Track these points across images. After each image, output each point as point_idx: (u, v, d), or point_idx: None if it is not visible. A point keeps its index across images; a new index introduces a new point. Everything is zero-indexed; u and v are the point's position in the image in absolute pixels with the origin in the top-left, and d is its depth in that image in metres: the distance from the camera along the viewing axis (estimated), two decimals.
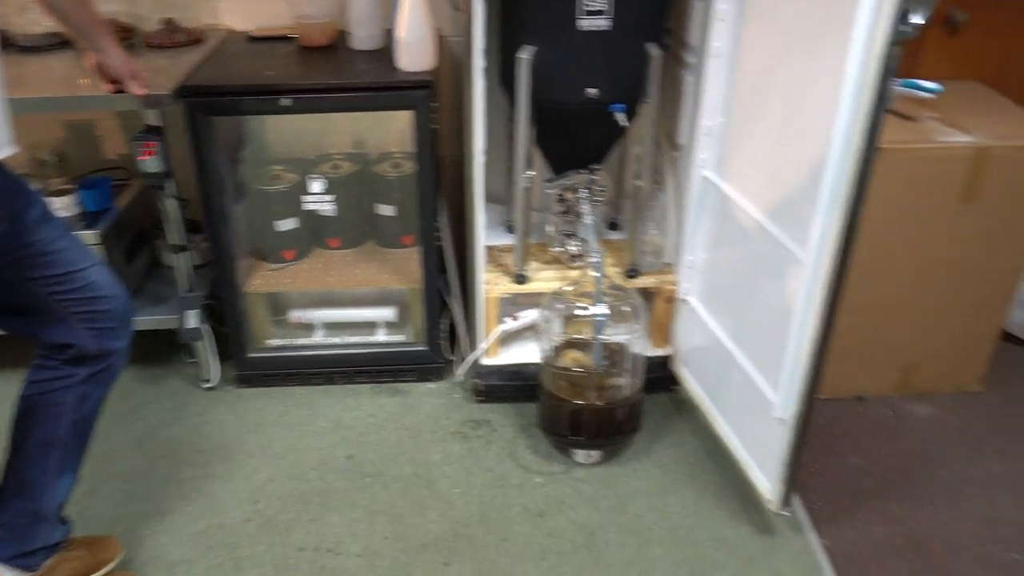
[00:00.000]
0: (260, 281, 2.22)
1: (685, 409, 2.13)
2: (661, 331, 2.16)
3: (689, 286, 2.03)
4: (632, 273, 2.12)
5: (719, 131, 1.82)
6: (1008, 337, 2.31)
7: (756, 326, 1.72)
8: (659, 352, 2.17)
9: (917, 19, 1.24)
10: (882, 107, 1.31)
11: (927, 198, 1.90)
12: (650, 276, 2.13)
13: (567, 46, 1.82)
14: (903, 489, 1.90)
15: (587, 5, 1.77)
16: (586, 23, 1.79)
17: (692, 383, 2.07)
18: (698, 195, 1.91)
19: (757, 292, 1.70)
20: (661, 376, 2.16)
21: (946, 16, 2.14)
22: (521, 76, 1.85)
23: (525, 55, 1.83)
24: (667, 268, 2.15)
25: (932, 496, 1.88)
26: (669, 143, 2.10)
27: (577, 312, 1.94)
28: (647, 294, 2.13)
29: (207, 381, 2.22)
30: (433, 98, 1.92)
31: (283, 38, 2.21)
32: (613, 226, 2.36)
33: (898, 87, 1.99)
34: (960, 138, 1.88)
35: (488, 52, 1.81)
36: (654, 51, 1.86)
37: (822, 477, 1.93)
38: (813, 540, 1.75)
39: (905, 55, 1.27)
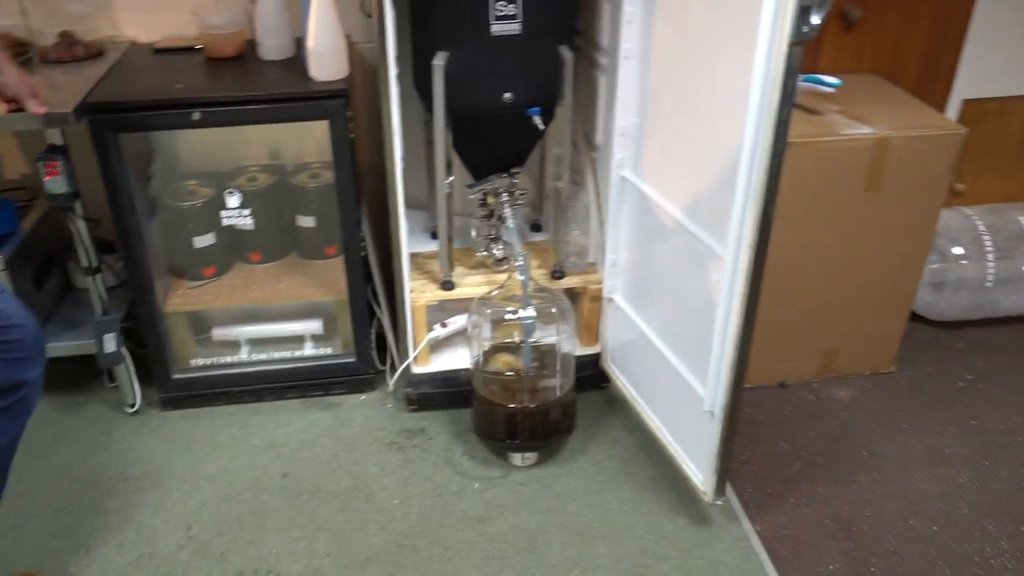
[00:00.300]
0: (180, 300, 2.16)
1: (617, 406, 2.16)
2: (589, 330, 2.18)
3: (613, 284, 2.06)
4: (557, 274, 2.14)
5: (634, 131, 1.85)
6: (915, 317, 2.41)
7: (680, 322, 1.76)
8: (588, 351, 2.19)
9: (816, 19, 1.28)
10: (788, 104, 1.35)
11: (834, 188, 1.97)
12: (575, 276, 2.15)
13: (480, 51, 1.82)
14: (828, 471, 1.96)
15: (498, 10, 1.78)
16: (497, 28, 1.79)
17: (622, 380, 2.10)
18: (617, 195, 1.94)
19: (680, 288, 1.74)
20: (591, 374, 2.18)
21: (841, 12, 2.22)
22: (436, 83, 1.85)
23: (439, 61, 1.82)
24: (591, 267, 2.17)
25: (856, 476, 1.95)
26: (587, 143, 2.12)
27: (506, 316, 1.95)
28: (573, 294, 2.15)
29: (131, 406, 2.15)
30: (348, 107, 1.90)
31: (189, 49, 2.15)
32: (536, 227, 2.37)
33: (801, 83, 2.05)
34: (862, 130, 1.95)
35: (401, 58, 1.80)
36: (566, 53, 1.87)
37: (752, 464, 1.98)
38: (747, 527, 1.80)
39: (806, 51, 1.31)
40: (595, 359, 2.19)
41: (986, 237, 2.31)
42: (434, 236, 2.32)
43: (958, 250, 2.31)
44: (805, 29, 1.28)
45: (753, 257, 1.47)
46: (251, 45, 2.11)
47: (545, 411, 1.91)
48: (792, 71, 1.32)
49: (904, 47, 2.28)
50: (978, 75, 2.34)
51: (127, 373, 2.11)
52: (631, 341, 2.01)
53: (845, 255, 2.07)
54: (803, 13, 1.27)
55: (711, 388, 1.64)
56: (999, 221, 2.35)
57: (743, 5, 1.38)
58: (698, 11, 1.54)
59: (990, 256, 2.30)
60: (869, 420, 2.12)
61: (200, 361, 2.20)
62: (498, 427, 1.94)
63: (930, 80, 2.32)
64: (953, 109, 2.37)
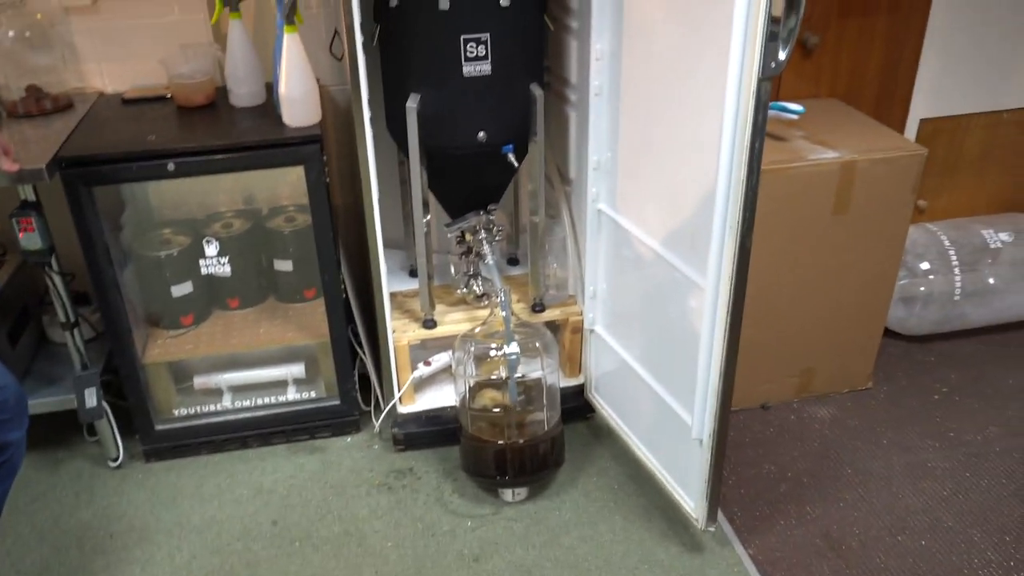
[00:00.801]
0: (159, 350, 2.14)
1: (603, 435, 2.18)
2: (571, 361, 2.20)
3: (594, 315, 2.08)
4: (538, 307, 2.16)
5: (608, 165, 1.88)
6: (888, 333, 2.46)
7: (664, 351, 1.78)
8: (572, 382, 2.21)
9: (782, 55, 1.32)
10: (760, 138, 1.38)
11: (804, 212, 2.02)
12: (555, 308, 2.17)
13: (453, 93, 1.85)
14: (815, 490, 1.99)
15: (468, 52, 1.80)
16: (468, 69, 1.82)
17: (607, 410, 2.11)
18: (594, 228, 1.97)
19: (661, 318, 1.77)
20: (576, 406, 2.20)
21: (800, 40, 2.29)
22: (410, 125, 1.87)
23: (412, 104, 1.85)
24: (571, 299, 2.19)
25: (842, 494, 1.98)
26: (560, 177, 2.15)
27: (490, 353, 1.96)
28: (554, 326, 2.17)
29: (113, 460, 2.12)
30: (323, 152, 1.91)
31: (159, 99, 2.15)
32: (512, 261, 2.39)
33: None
34: (827, 154, 2.00)
35: (372, 99, 1.81)
36: (536, 91, 1.91)
37: (740, 488, 2.00)
38: (740, 551, 1.82)
39: None
40: (579, 390, 2.21)
41: (951, 251, 2.37)
42: (412, 274, 2.33)
43: (925, 265, 2.37)
44: (773, 65, 1.32)
45: (733, 287, 1.50)
46: (221, 92, 2.12)
47: (534, 446, 1.92)
48: (762, 106, 1.36)
49: (861, 71, 2.35)
50: (933, 95, 2.41)
51: (109, 427, 2.08)
52: (615, 371, 2.04)
53: (818, 277, 2.11)
54: (770, 50, 1.31)
55: (698, 416, 1.66)
56: (963, 235, 2.41)
57: (710, 44, 1.42)
58: (665, 49, 1.58)
59: (956, 270, 2.36)
60: (850, 437, 2.16)
61: (183, 411, 2.18)
62: (488, 464, 1.94)
63: (888, 102, 2.39)
64: (911, 129, 2.44)
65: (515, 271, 2.34)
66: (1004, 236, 2.41)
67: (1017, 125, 2.50)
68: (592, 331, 2.10)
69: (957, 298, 2.37)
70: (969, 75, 2.42)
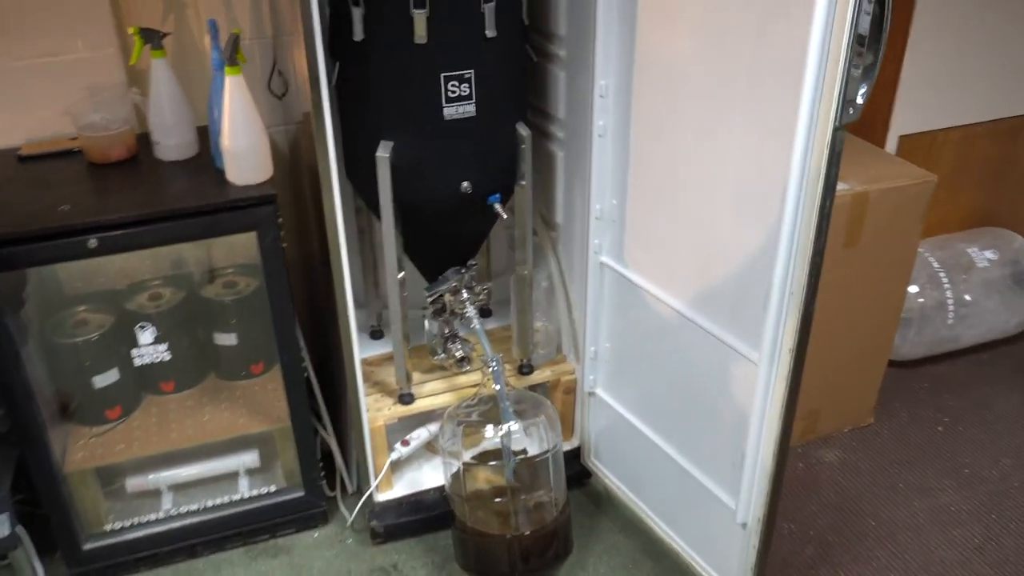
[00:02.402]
0: (82, 454, 1.79)
1: (603, 503, 1.96)
2: (565, 424, 1.97)
3: (595, 378, 1.86)
4: (525, 369, 1.93)
5: (612, 214, 1.66)
6: None
7: (694, 424, 1.58)
8: (565, 447, 1.98)
9: (860, 100, 1.14)
10: (831, 194, 1.20)
11: None
12: (545, 368, 1.94)
13: (433, 138, 1.59)
14: (843, 550, 1.84)
15: (450, 91, 1.55)
16: (451, 111, 1.57)
17: (611, 478, 1.90)
18: (596, 282, 1.75)
19: (691, 389, 1.56)
20: (572, 473, 1.97)
21: None
22: (381, 177, 1.60)
23: (384, 153, 1.58)
24: (560, 357, 1.97)
25: (873, 551, 1.83)
26: (544, 223, 1.92)
27: (486, 435, 1.71)
28: (542, 387, 1.95)
29: None
30: (278, 213, 1.62)
31: (64, 154, 1.80)
32: (484, 312, 2.14)
33: None
34: (839, 186, 1.84)
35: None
36: (523, 131, 1.67)
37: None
38: None
39: None
40: (574, 454, 1.99)
41: (941, 273, 2.27)
42: (375, 335, 2.06)
43: (914, 288, 2.26)
44: (851, 111, 1.13)
45: (793, 361, 1.31)
46: (144, 143, 1.78)
47: (545, 535, 1.69)
48: (836, 159, 1.17)
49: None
50: (911, 111, 2.31)
51: (25, 555, 1.73)
52: (622, 438, 1.82)
53: (826, 314, 1.93)
54: (849, 92, 1.11)
55: (745, 499, 1.47)
56: (949, 256, 2.32)
57: (765, 84, 1.22)
58: (696, 89, 1.37)
59: (948, 292, 2.26)
60: (865, 483, 2.02)
61: (116, 524, 1.83)
62: (495, 561, 1.70)
63: (871, 120, 2.27)
64: (891, 146, 2.33)
65: (490, 324, 2.09)
66: (989, 254, 2.34)
67: (990, 138, 2.43)
68: (592, 394, 1.88)
69: (950, 321, 2.28)
70: (945, 91, 2.33)
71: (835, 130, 1.14)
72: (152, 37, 1.69)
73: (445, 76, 1.53)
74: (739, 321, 1.40)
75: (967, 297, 2.30)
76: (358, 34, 1.52)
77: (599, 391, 1.86)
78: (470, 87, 1.56)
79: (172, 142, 1.74)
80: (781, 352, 1.31)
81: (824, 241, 1.22)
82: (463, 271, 1.80)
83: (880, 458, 2.09)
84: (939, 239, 2.41)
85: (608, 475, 1.91)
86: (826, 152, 1.15)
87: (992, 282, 2.33)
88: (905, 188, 1.87)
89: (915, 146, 2.36)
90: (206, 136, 1.76)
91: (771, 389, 1.35)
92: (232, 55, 1.54)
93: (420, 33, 1.49)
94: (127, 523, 1.84)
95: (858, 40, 1.08)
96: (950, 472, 2.05)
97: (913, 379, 2.35)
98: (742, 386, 1.42)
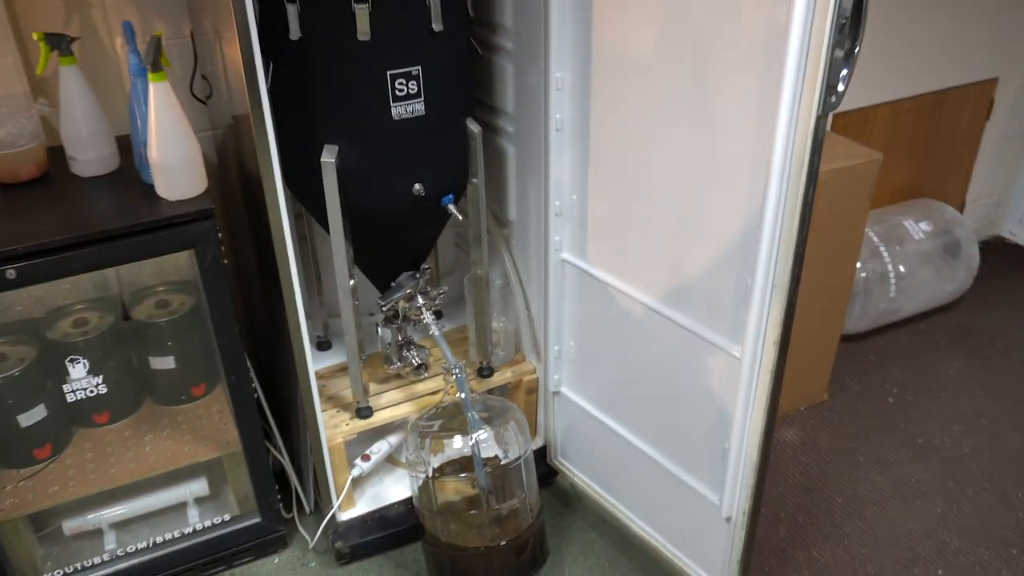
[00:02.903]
0: (11, 501, 1.64)
1: (572, 502, 1.92)
2: (528, 424, 1.92)
3: (560, 377, 1.81)
4: (485, 372, 1.86)
5: (572, 210, 1.60)
6: None
7: (673, 423, 1.54)
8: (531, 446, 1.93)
9: (842, 85, 1.11)
10: (813, 183, 1.17)
11: None
12: (505, 370, 1.88)
13: (380, 140, 1.50)
14: (815, 530, 1.85)
15: (398, 90, 1.46)
16: (399, 110, 1.48)
17: (580, 477, 1.86)
18: (557, 280, 1.69)
19: (667, 385, 1.52)
20: (538, 473, 1.91)
21: None
22: (328, 183, 1.50)
23: (330, 158, 1.48)
24: (519, 357, 1.91)
25: (843, 529, 1.85)
26: (496, 221, 1.85)
27: (455, 446, 1.64)
28: (501, 388, 1.89)
29: None
30: (218, 228, 1.51)
31: None
32: (436, 314, 2.06)
33: None
34: None
35: None
36: (474, 127, 1.60)
37: None
38: None
39: None
40: (539, 454, 1.94)
41: (881, 247, 2.31)
42: (321, 347, 1.96)
43: (858, 263, 2.29)
44: (833, 99, 1.10)
45: (778, 351, 1.28)
46: (56, 159, 1.63)
47: (523, 543, 1.63)
48: (818, 147, 1.13)
49: None
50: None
51: None
52: (591, 436, 1.78)
53: None
54: (832, 79, 1.08)
55: (729, 493, 1.44)
56: (887, 229, 2.36)
57: (740, 73, 1.18)
58: (662, 79, 1.32)
59: (889, 266, 2.30)
60: (827, 460, 2.03)
61: (55, 572, 1.69)
62: (473, 574, 1.63)
63: None
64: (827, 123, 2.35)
65: (444, 327, 2.01)
66: (924, 226, 2.39)
67: (917, 111, 2.48)
68: (557, 393, 1.83)
69: (892, 294, 2.32)
70: (873, 68, 2.35)
71: (818, 118, 1.11)
72: (59, 42, 1.54)
73: (392, 74, 1.44)
74: (716, 315, 1.36)
75: (902, 269, 2.34)
76: (294, 32, 1.41)
77: (564, 390, 1.81)
78: (418, 84, 1.47)
79: (89, 156, 1.60)
80: (765, 345, 1.28)
81: (807, 230, 1.19)
82: (417, 276, 1.72)
83: (837, 434, 2.11)
84: (875, 213, 2.44)
85: (576, 473, 1.87)
86: (809, 140, 1.12)
87: (927, 253, 2.38)
88: (853, 167, 1.87)
89: (849, 123, 2.38)
90: (127, 147, 1.62)
91: (755, 383, 1.32)
92: (156, 60, 1.41)
93: (363, 29, 1.39)
94: (67, 569, 1.70)
95: (852, 16, 1.04)
96: (905, 443, 2.08)
97: (860, 352, 2.39)
98: (723, 380, 1.39)
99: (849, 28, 1.06)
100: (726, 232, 1.29)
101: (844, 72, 1.10)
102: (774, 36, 1.10)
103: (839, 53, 1.06)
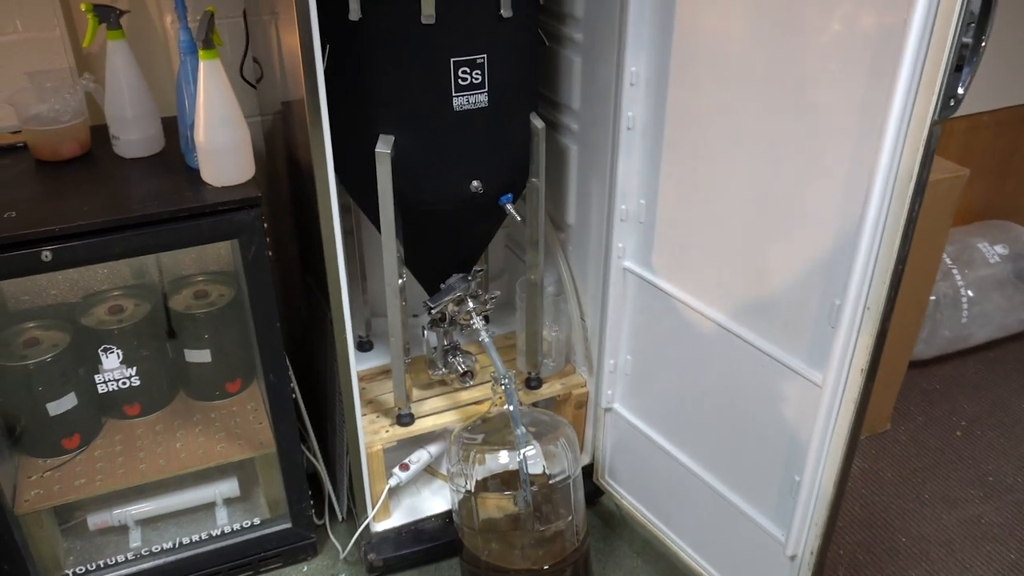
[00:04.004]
0: (37, 492, 1.57)
1: (617, 524, 1.82)
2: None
3: (613, 393, 1.70)
4: (533, 383, 1.76)
5: (639, 216, 1.50)
6: None
7: (736, 450, 1.43)
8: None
9: (961, 88, 1.00)
10: (920, 196, 1.06)
11: None
12: (554, 381, 1.78)
13: (439, 132, 1.41)
14: (876, 570, 1.73)
15: (460, 79, 1.37)
16: (460, 101, 1.39)
17: (628, 498, 1.76)
18: (618, 290, 1.59)
19: (731, 411, 1.41)
20: (585, 492, 1.82)
21: None
22: (381, 175, 1.41)
23: (385, 148, 1.39)
24: (569, 368, 1.81)
25: (907, 573, 1.72)
26: (552, 224, 1.76)
27: (500, 461, 1.55)
28: (549, 400, 1.79)
29: None
30: (263, 218, 1.43)
31: (8, 149, 1.57)
32: (484, 319, 1.97)
33: None
34: None
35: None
36: (537, 123, 1.50)
37: None
38: None
39: None
40: (585, 472, 1.83)
41: (954, 269, 2.18)
42: (362, 347, 1.88)
43: None
44: (952, 103, 0.99)
45: (864, 382, 1.17)
46: (99, 137, 1.56)
47: (568, 567, 1.53)
48: (930, 158, 1.02)
49: None
50: None
51: None
52: (643, 457, 1.67)
53: None
54: (952, 81, 0.97)
55: (797, 531, 1.33)
56: (961, 251, 2.23)
57: (855, 66, 1.07)
58: (752, 77, 1.21)
59: (962, 290, 2.17)
60: (891, 495, 1.91)
61: (77, 567, 1.62)
62: None
63: None
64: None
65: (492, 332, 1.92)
66: (1000, 249, 2.25)
67: (996, 127, 2.34)
68: (610, 409, 1.73)
69: (964, 320, 2.18)
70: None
71: (933, 124, 1.00)
72: (108, 15, 1.47)
73: (455, 61, 1.35)
74: (794, 336, 1.25)
75: (971, 293, 2.21)
76: (354, 12, 1.33)
77: (617, 406, 1.71)
78: (483, 74, 1.38)
79: (134, 136, 1.53)
80: (851, 373, 1.17)
81: (908, 249, 1.08)
82: (469, 278, 1.63)
83: (901, 467, 1.99)
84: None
85: (624, 495, 1.77)
86: (921, 148, 1.01)
87: (1000, 278, 2.24)
88: (938, 182, 1.75)
89: None
90: (173, 129, 1.55)
91: (835, 413, 1.21)
92: (208, 36, 1.33)
93: (428, 12, 1.30)
94: (90, 566, 1.63)
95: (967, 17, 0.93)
96: (974, 481, 1.95)
97: (925, 380, 2.26)
98: (798, 408, 1.27)
99: (979, 20, 0.95)
100: (814, 247, 1.18)
101: (966, 72, 0.98)
102: (889, 27, 0.99)
103: (965, 44, 0.95)
